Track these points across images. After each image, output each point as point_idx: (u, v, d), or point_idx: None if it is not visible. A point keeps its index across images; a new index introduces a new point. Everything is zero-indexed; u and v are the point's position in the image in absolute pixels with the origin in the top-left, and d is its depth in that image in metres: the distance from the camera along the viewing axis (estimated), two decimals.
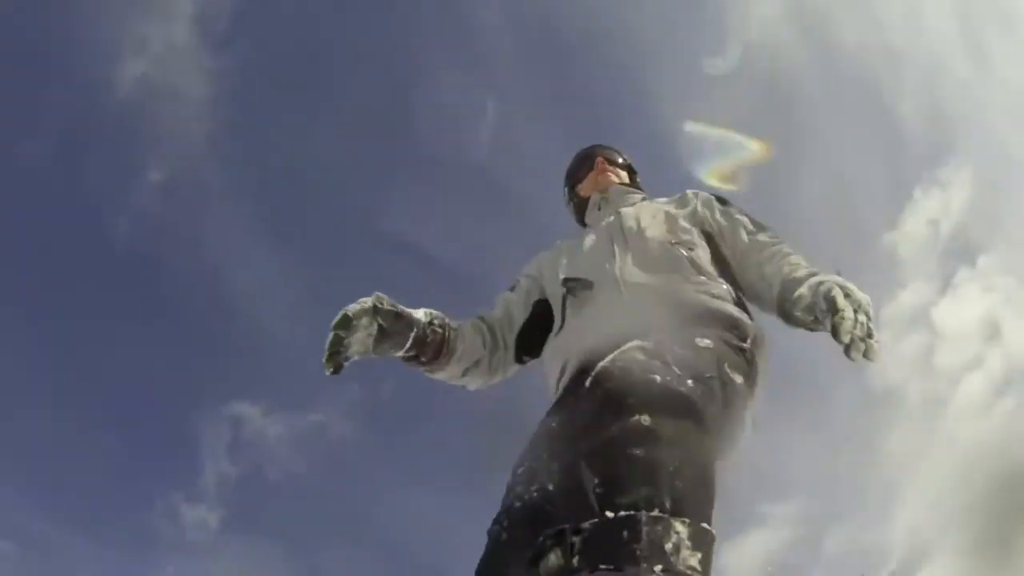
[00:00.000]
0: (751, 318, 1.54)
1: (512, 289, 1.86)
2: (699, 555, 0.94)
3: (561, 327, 1.63)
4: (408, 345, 1.49)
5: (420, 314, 1.53)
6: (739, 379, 1.33)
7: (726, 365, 1.31)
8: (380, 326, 1.42)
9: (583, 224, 2.03)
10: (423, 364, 1.57)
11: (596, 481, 1.02)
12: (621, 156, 2.15)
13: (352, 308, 1.40)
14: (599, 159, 2.07)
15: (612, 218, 1.84)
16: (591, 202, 1.99)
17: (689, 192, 1.89)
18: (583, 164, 2.11)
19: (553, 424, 1.40)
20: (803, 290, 1.37)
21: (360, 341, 1.40)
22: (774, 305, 1.53)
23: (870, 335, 1.22)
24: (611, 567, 0.92)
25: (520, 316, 1.77)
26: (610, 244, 1.71)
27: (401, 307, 1.48)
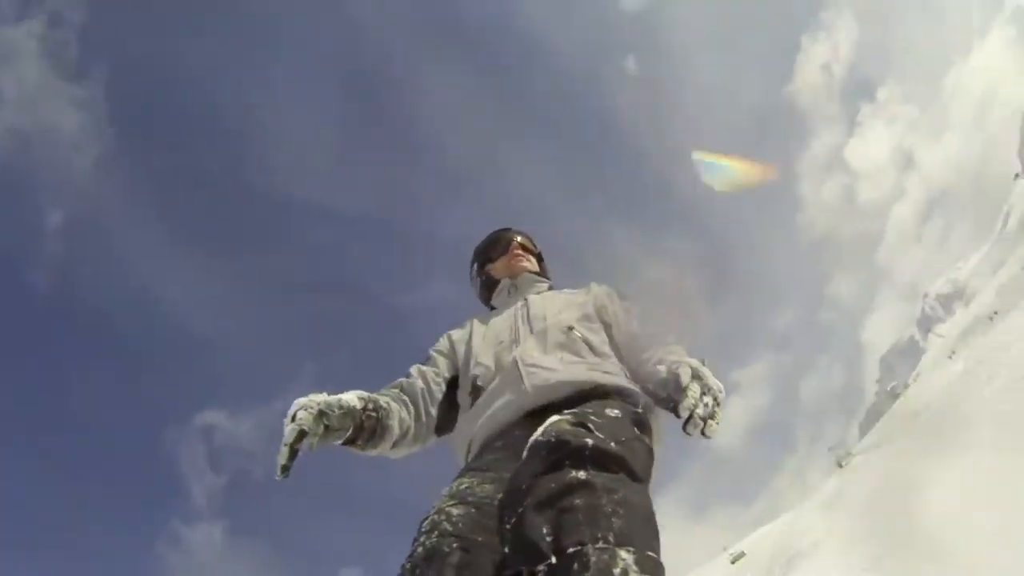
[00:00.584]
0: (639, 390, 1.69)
1: (426, 362, 1.94)
2: None
3: (471, 407, 1.74)
4: (348, 436, 1.58)
5: (355, 402, 1.60)
6: (647, 439, 1.46)
7: (636, 428, 1.44)
8: (326, 426, 1.50)
9: (487, 303, 2.18)
10: (358, 446, 1.65)
11: (545, 530, 1.09)
12: (534, 244, 2.26)
13: (304, 421, 1.45)
14: (514, 244, 2.18)
15: (520, 304, 1.98)
16: (501, 285, 2.13)
17: (593, 284, 2.04)
18: (496, 246, 2.21)
19: (457, 484, 1.49)
20: (661, 368, 1.57)
21: (307, 443, 1.46)
22: (642, 384, 1.68)
23: (712, 416, 1.41)
24: None
25: (438, 391, 1.86)
26: (515, 331, 1.86)
27: (343, 401, 1.55)
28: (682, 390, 1.44)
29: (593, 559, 1.01)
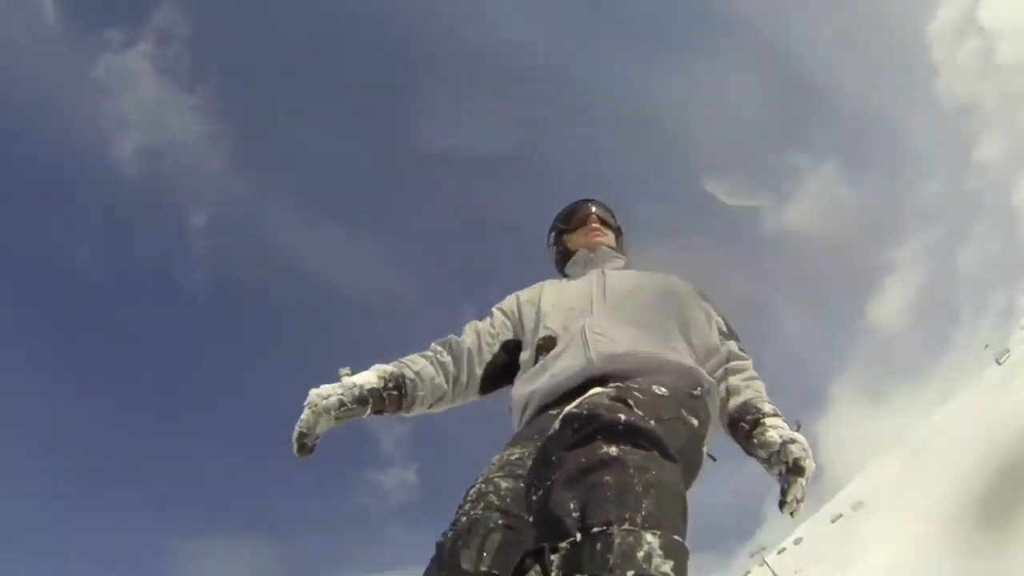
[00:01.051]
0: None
1: (485, 320, 1.93)
2: (672, 563, 0.97)
3: (532, 369, 1.71)
4: (368, 413, 1.64)
5: (374, 382, 1.65)
6: (694, 421, 1.41)
7: (683, 410, 1.40)
8: (343, 410, 1.58)
9: (561, 271, 2.15)
10: (386, 416, 1.70)
11: (572, 506, 1.06)
12: (614, 217, 2.21)
13: (304, 423, 1.55)
14: (593, 216, 2.13)
15: (596, 276, 1.92)
16: (577, 256, 2.08)
17: (675, 278, 1.96)
18: (574, 216, 2.17)
19: (507, 454, 1.48)
20: (772, 435, 1.60)
21: (324, 425, 1.57)
22: (726, 416, 1.71)
23: (801, 499, 1.57)
24: (584, 575, 0.96)
25: (488, 351, 1.85)
26: (590, 301, 1.80)
27: (358, 390, 1.61)
28: (791, 476, 1.55)
29: (617, 541, 0.97)
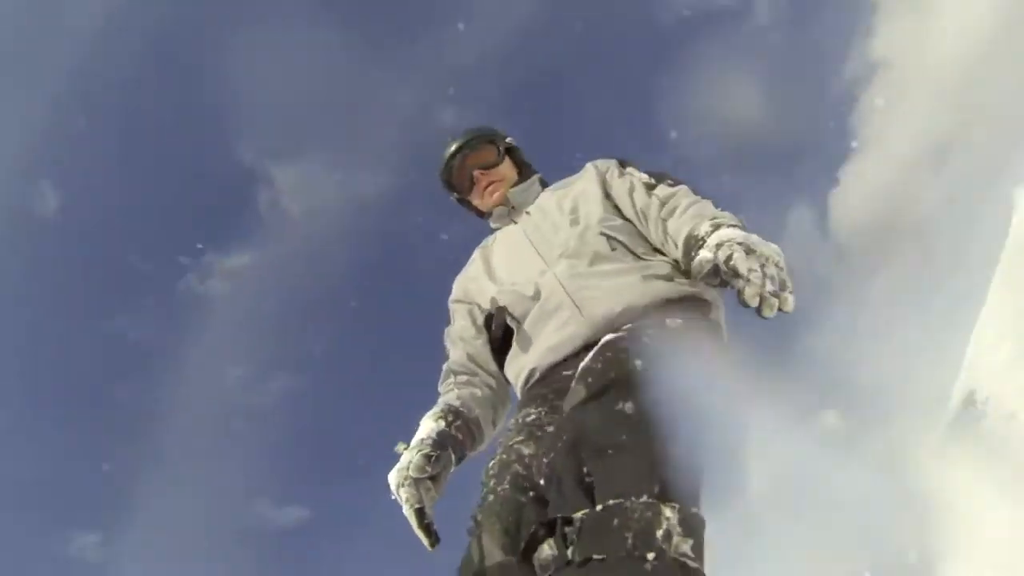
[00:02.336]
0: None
1: (450, 323, 1.75)
2: (691, 541, 0.94)
3: (519, 339, 1.56)
4: (454, 460, 1.43)
5: (433, 424, 1.45)
6: (709, 344, 1.35)
7: (702, 340, 1.32)
8: (432, 478, 1.35)
9: (483, 218, 1.92)
10: (467, 454, 1.52)
11: (584, 471, 1.02)
12: (496, 145, 1.87)
13: (412, 499, 1.31)
14: (476, 173, 1.83)
15: (522, 222, 1.73)
16: (494, 214, 1.84)
17: (589, 165, 1.78)
18: (458, 180, 1.88)
19: (522, 416, 1.40)
20: (706, 254, 1.25)
21: (428, 496, 1.34)
22: (680, 254, 1.44)
23: (783, 287, 1.17)
24: (603, 556, 0.92)
25: (482, 344, 1.67)
26: (534, 251, 1.62)
27: (428, 439, 1.40)
28: (740, 277, 1.16)
29: (635, 516, 0.94)
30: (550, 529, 1.00)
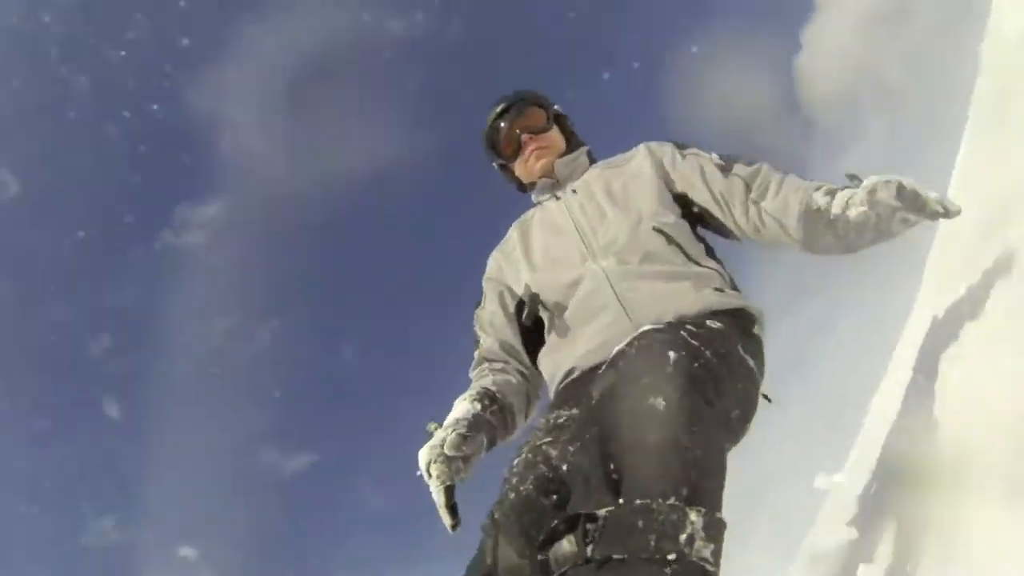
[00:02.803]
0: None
1: (481, 305, 1.68)
2: (712, 547, 0.92)
3: (555, 335, 1.51)
4: (486, 444, 1.40)
5: (468, 406, 1.41)
6: (751, 361, 1.29)
7: (739, 346, 1.28)
8: (464, 458, 1.31)
9: (524, 191, 1.83)
10: (498, 441, 1.47)
11: (611, 467, 0.99)
12: (545, 110, 1.78)
13: (443, 475, 1.28)
14: (525, 138, 1.72)
15: (566, 199, 1.64)
16: (538, 186, 1.74)
17: (643, 147, 1.68)
18: (504, 144, 1.77)
19: (553, 417, 1.35)
20: (882, 193, 1.25)
21: (459, 481, 1.31)
22: (796, 233, 1.41)
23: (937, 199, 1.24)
24: (624, 556, 0.90)
25: (513, 334, 1.61)
26: (578, 236, 1.54)
27: (463, 417, 1.36)
28: (920, 196, 1.24)
29: (660, 519, 0.91)
30: (570, 525, 0.96)
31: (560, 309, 1.49)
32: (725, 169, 1.54)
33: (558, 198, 1.67)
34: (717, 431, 1.07)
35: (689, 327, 1.21)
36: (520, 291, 1.59)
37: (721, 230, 1.58)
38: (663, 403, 1.00)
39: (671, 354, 1.07)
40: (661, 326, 1.22)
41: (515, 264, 1.65)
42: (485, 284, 1.71)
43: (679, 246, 1.47)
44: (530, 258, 1.62)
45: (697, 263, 1.46)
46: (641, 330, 1.21)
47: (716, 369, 1.13)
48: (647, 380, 1.05)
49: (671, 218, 1.53)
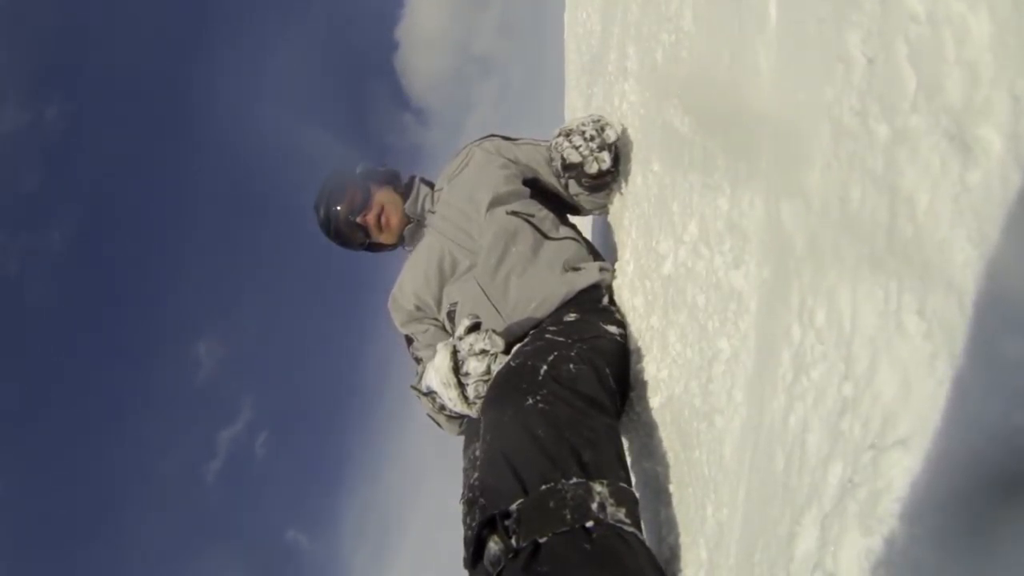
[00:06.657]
0: (597, 258, 1.69)
1: (411, 342, 1.80)
2: (624, 509, 0.99)
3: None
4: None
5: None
6: (614, 329, 1.44)
7: (599, 322, 1.44)
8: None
9: (400, 247, 1.94)
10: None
11: (514, 467, 1.05)
12: (355, 186, 1.85)
13: (496, 343, 1.39)
14: (360, 221, 1.82)
15: (431, 230, 1.78)
16: (406, 236, 1.86)
17: (474, 147, 1.82)
18: (351, 233, 1.87)
19: (474, 424, 1.47)
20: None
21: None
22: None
23: (601, 147, 1.55)
24: (547, 536, 0.95)
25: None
26: (451, 257, 1.69)
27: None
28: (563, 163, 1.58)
29: (569, 495, 0.98)
30: (491, 527, 1.02)
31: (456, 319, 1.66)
32: (539, 145, 1.82)
33: (423, 237, 1.80)
34: (596, 418, 1.15)
35: (551, 328, 1.38)
36: (444, 312, 1.75)
37: (562, 197, 1.81)
38: (543, 403, 1.12)
39: (541, 367, 1.20)
40: (527, 338, 1.40)
41: (421, 287, 1.76)
42: (391, 308, 1.83)
43: (532, 225, 1.65)
44: (428, 284, 1.74)
45: (549, 232, 1.66)
46: (515, 349, 1.36)
47: (579, 366, 1.25)
48: (524, 386, 1.16)
49: (517, 196, 1.70)
